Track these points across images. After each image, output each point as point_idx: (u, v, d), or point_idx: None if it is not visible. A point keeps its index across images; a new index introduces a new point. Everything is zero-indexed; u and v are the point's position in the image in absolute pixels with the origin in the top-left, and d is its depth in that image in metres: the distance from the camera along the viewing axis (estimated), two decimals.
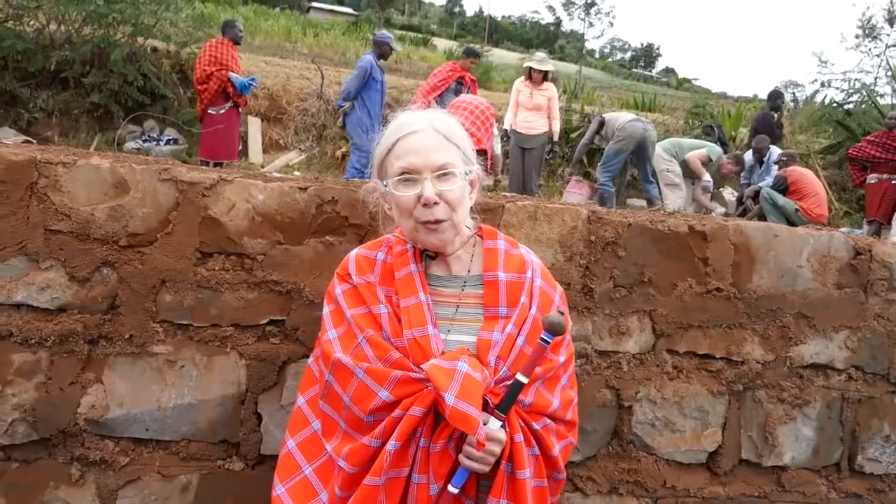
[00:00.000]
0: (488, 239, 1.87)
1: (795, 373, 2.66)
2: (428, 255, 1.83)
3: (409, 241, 1.84)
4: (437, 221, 1.71)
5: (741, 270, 2.58)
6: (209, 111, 9.24)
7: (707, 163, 9.45)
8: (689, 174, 9.59)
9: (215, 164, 8.98)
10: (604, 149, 9.62)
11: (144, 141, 11.07)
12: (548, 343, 1.63)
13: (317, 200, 2.31)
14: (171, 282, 2.23)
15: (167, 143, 11.23)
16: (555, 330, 1.62)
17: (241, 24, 10.24)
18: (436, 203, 1.70)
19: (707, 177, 9.54)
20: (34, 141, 8.98)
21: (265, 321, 2.30)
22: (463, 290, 1.81)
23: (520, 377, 1.62)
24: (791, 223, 7.53)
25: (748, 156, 10.54)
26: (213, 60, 9.15)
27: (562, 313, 1.67)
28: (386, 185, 1.77)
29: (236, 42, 9.64)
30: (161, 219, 2.22)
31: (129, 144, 10.83)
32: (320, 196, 2.32)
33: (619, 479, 2.55)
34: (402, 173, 1.72)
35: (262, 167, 11.22)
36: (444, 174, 1.72)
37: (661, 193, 9.43)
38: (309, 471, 1.76)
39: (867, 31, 18.30)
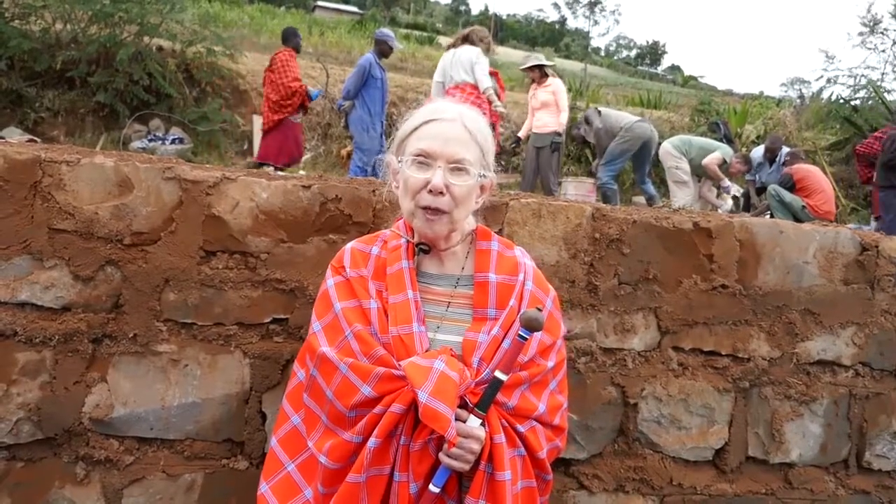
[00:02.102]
0: (482, 240, 1.87)
1: (802, 369, 2.65)
2: (422, 250, 1.83)
3: (403, 235, 1.85)
4: (437, 211, 1.72)
5: (747, 267, 2.56)
6: (290, 119, 9.58)
7: (721, 165, 9.46)
8: (697, 172, 9.58)
9: (284, 167, 9.37)
10: (593, 146, 9.59)
11: (150, 140, 11.08)
12: (525, 339, 1.63)
13: (320, 199, 2.31)
14: (175, 280, 2.23)
15: (172, 142, 11.23)
16: (531, 326, 1.61)
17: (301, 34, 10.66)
18: (441, 193, 1.70)
19: (727, 182, 9.55)
20: (38, 140, 9.01)
21: (269, 320, 2.30)
22: (455, 288, 1.81)
23: (499, 374, 1.62)
24: (798, 220, 7.50)
25: (757, 153, 10.51)
26: (295, 77, 9.48)
27: (539, 309, 1.65)
28: (400, 162, 1.78)
29: (297, 50, 9.96)
30: (165, 217, 2.22)
31: (135, 144, 10.85)
32: (324, 194, 2.31)
33: (625, 476, 2.54)
34: (419, 154, 1.73)
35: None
36: (459, 169, 1.73)
37: (658, 192, 9.42)
38: (292, 467, 1.77)
39: (871, 27, 18.22)
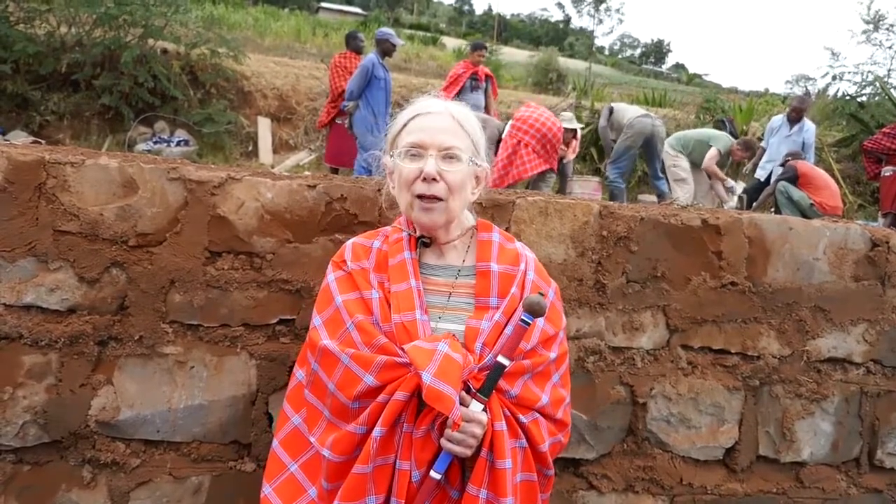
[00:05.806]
0: (483, 231, 1.89)
1: (813, 367, 2.62)
2: (423, 243, 1.85)
3: (404, 229, 1.86)
4: (433, 198, 1.74)
5: (756, 264, 2.54)
6: (336, 121, 9.66)
7: (720, 159, 9.37)
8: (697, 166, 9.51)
9: (338, 170, 9.45)
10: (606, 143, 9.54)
11: (155, 142, 11.10)
12: (527, 324, 1.63)
13: (326, 198, 2.30)
14: (181, 282, 2.22)
15: (178, 144, 11.25)
16: (534, 310, 1.62)
17: (363, 35, 10.85)
18: (435, 180, 1.73)
19: (730, 182, 9.47)
20: (43, 141, 9.02)
21: (275, 320, 2.29)
22: (457, 279, 1.82)
23: (501, 359, 1.62)
24: (806, 217, 7.45)
25: (775, 121, 10.39)
26: (347, 76, 9.49)
27: (541, 294, 1.66)
28: (392, 157, 1.82)
29: (358, 52, 10.02)
30: (170, 218, 2.21)
31: (140, 146, 10.86)
32: (329, 194, 2.30)
33: (634, 476, 2.52)
34: (411, 147, 1.77)
35: (273, 167, 11.23)
36: (450, 156, 1.76)
37: (670, 189, 9.34)
38: (295, 468, 1.77)
39: (876, 23, 18.13)
